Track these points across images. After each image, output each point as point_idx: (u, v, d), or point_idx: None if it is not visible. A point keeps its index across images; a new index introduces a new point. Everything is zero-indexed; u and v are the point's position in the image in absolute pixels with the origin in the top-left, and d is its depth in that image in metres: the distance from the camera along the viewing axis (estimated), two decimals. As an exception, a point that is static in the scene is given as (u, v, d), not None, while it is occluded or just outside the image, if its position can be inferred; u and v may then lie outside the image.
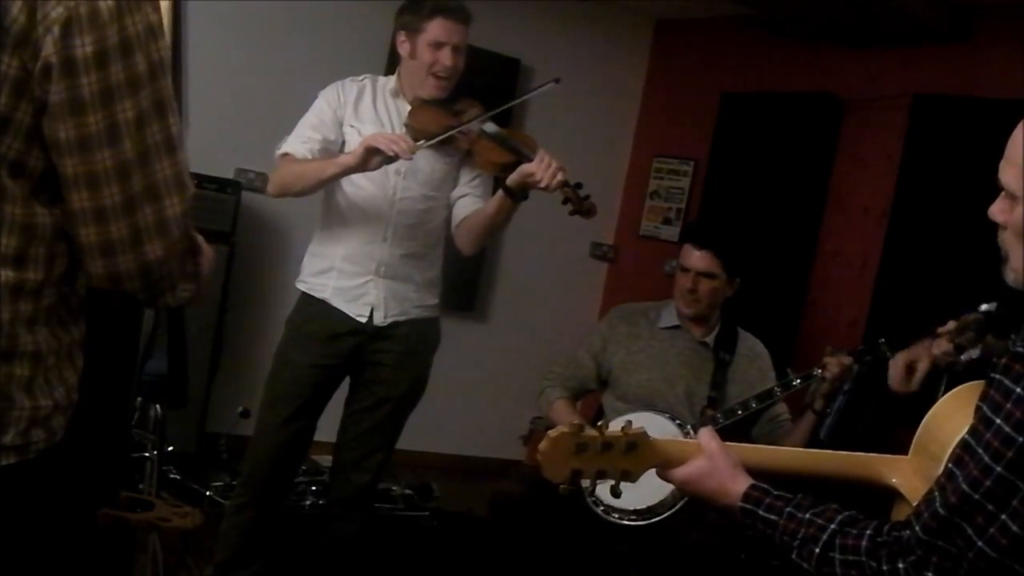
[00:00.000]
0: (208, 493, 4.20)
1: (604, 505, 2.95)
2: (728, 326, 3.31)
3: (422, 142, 2.84)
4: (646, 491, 2.87)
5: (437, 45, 2.90)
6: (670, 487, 2.79)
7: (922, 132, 4.36)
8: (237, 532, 3.07)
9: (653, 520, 2.91)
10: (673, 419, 3.06)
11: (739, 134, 5.19)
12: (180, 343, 3.64)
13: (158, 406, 3.62)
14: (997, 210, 1.45)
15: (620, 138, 5.83)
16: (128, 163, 1.27)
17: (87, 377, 1.42)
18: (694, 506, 2.83)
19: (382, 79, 3.08)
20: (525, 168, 2.79)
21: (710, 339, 3.27)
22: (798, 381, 3.04)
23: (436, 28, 2.89)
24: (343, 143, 2.98)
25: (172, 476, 4.17)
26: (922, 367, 2.57)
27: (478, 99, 3.06)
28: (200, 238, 1.46)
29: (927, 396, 2.37)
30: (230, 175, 4.70)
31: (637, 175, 5.80)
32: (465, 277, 5.39)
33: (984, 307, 2.42)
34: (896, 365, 2.62)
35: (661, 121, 5.74)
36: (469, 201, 3.02)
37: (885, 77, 4.59)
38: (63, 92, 1.23)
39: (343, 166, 2.80)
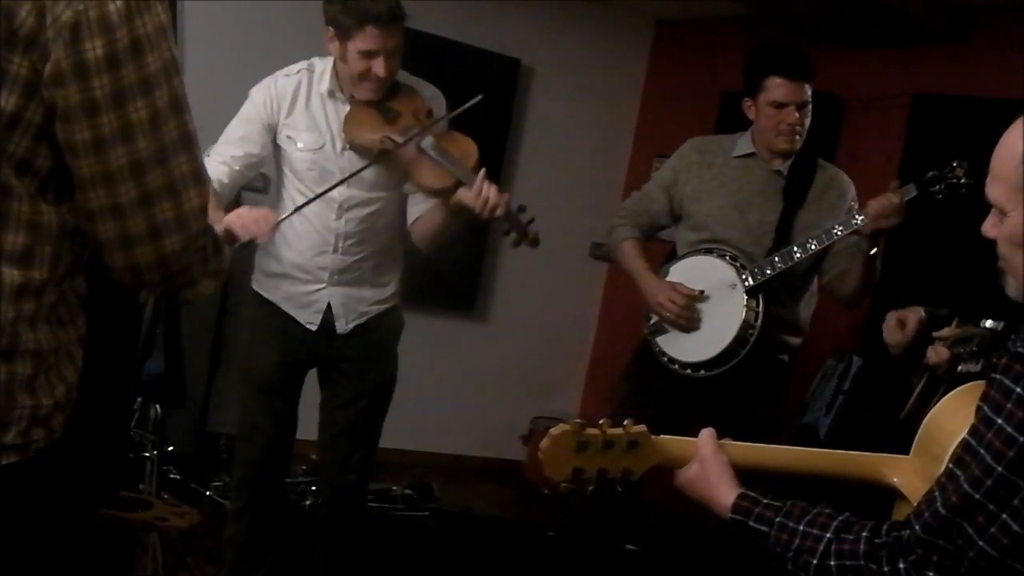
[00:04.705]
0: (208, 493, 4.21)
1: (669, 357, 3.08)
2: (806, 153, 3.17)
3: (283, 216, 2.74)
4: (706, 343, 3.03)
5: (368, 54, 2.71)
6: (728, 340, 2.98)
7: (922, 132, 4.35)
8: (242, 535, 3.06)
9: (714, 371, 3.00)
10: (734, 259, 3.04)
11: (739, 134, 5.17)
12: (176, 342, 3.65)
13: (157, 406, 3.62)
14: (989, 226, 1.45)
15: (620, 138, 5.82)
16: (142, 161, 1.28)
17: (86, 376, 1.42)
18: None
19: (319, 66, 2.88)
20: (460, 200, 2.64)
21: (784, 167, 3.15)
22: (858, 219, 2.93)
23: (366, 38, 2.68)
24: (280, 151, 2.87)
25: (172, 476, 4.17)
26: (912, 320, 2.57)
27: (453, 94, 2.88)
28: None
29: (924, 403, 2.36)
30: (230, 175, 4.69)
31: (637, 175, 5.77)
32: (465, 277, 5.40)
33: (989, 323, 2.33)
34: (888, 321, 2.63)
35: (661, 121, 5.73)
36: (421, 197, 2.88)
37: (885, 77, 4.58)
38: (76, 95, 1.23)
39: None
